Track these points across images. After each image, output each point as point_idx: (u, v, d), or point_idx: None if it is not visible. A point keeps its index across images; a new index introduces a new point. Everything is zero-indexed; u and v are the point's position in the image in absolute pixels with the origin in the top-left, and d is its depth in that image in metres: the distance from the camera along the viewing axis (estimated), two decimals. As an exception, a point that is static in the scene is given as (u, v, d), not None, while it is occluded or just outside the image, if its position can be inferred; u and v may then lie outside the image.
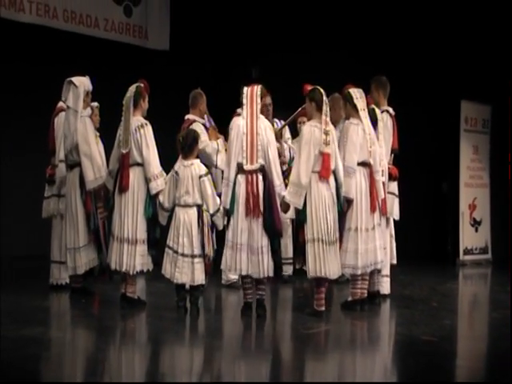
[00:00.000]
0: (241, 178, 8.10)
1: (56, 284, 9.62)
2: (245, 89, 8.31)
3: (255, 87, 8.31)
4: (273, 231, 8.12)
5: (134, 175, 8.47)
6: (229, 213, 8.16)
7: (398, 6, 13.49)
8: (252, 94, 8.25)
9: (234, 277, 10.03)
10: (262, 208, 8.07)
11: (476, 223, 13.58)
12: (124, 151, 8.45)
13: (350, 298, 8.82)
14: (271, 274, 8.21)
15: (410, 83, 13.25)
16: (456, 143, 13.49)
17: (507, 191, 13.67)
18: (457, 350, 7.64)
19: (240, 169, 8.12)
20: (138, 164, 8.48)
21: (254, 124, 8.16)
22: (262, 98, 8.40)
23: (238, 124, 8.21)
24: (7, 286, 9.82)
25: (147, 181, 8.46)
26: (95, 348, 7.36)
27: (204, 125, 9.70)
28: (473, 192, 13.64)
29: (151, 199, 8.46)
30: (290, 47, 14.14)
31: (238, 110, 9.98)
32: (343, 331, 8.21)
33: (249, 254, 8.08)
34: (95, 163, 9.03)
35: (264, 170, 8.16)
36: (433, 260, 13.22)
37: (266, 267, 8.10)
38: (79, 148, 9.01)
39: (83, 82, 9.18)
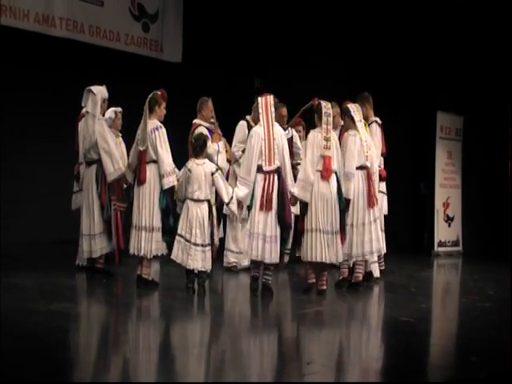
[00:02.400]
0: (259, 177, 8.31)
1: (82, 265, 9.64)
2: (259, 99, 8.52)
3: (268, 97, 8.51)
4: (284, 223, 8.34)
5: (151, 171, 8.49)
6: (249, 207, 8.36)
7: (383, 30, 13.54)
8: (266, 104, 8.44)
9: (233, 260, 10.22)
10: (275, 203, 8.25)
11: (449, 219, 13.59)
12: (141, 149, 8.49)
13: (340, 277, 9.12)
14: (277, 260, 8.48)
15: (394, 96, 13.28)
16: (432, 149, 13.50)
17: (476, 191, 13.69)
18: (431, 329, 7.66)
19: (259, 169, 8.31)
20: (154, 161, 8.51)
21: (270, 131, 8.37)
22: (275, 108, 8.62)
23: (258, 132, 8.40)
24: (38, 267, 9.84)
25: (160, 176, 8.51)
26: (115, 322, 7.42)
27: (208, 128, 9.74)
28: (446, 192, 13.65)
29: (165, 192, 8.48)
30: (289, 60, 14.22)
31: (247, 117, 10.20)
32: (333, 312, 8.22)
33: (262, 242, 8.24)
34: (113, 157, 9.06)
35: (279, 171, 8.35)
36: (411, 251, 13.22)
37: (275, 254, 8.31)
38: (98, 145, 9.03)
39: (100, 91, 9.21)
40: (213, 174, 8.29)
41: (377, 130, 9.56)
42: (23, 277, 8.96)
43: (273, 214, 8.26)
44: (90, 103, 9.18)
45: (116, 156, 9.12)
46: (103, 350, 6.28)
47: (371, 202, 8.82)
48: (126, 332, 6.95)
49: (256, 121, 10.19)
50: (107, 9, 13.40)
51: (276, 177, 8.33)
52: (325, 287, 8.60)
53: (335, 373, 5.71)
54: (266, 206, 8.23)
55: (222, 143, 9.66)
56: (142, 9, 14.13)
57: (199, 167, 8.29)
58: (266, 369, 5.81)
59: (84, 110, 9.57)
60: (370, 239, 8.84)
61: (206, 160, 8.45)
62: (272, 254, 8.30)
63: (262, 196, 8.25)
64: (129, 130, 9.62)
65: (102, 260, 9.26)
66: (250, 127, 10.13)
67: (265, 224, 8.25)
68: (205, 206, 8.27)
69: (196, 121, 9.80)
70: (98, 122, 9.12)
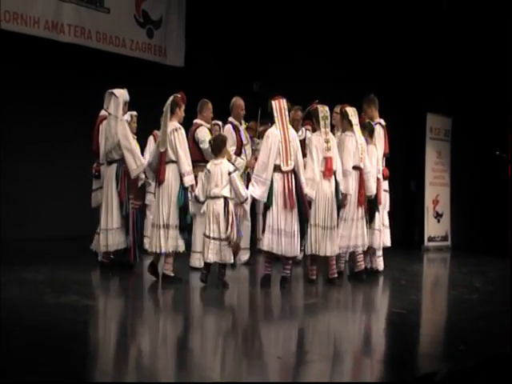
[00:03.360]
0: (277, 176, 8.38)
1: (96, 251, 9.66)
2: (273, 103, 8.53)
3: (281, 101, 8.53)
4: (303, 218, 8.42)
5: (169, 171, 8.48)
6: (267, 204, 8.40)
7: (378, 37, 13.54)
8: (280, 108, 8.49)
9: (245, 258, 10.24)
10: (295, 201, 8.36)
11: (438, 215, 13.60)
12: (161, 150, 8.50)
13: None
14: (298, 253, 8.56)
15: (386, 99, 13.24)
16: (422, 149, 13.51)
17: (464, 189, 13.68)
18: (421, 320, 7.68)
19: (277, 169, 8.36)
20: (173, 161, 8.49)
21: (286, 134, 8.42)
22: (289, 111, 8.65)
23: (275, 134, 8.44)
24: (48, 262, 9.80)
25: (181, 176, 8.47)
26: (122, 314, 7.45)
27: (209, 129, 9.76)
28: (436, 190, 13.66)
29: (183, 191, 8.48)
30: (287, 65, 14.23)
31: (230, 118, 10.29)
32: (329, 304, 8.23)
33: (284, 237, 8.33)
34: (135, 155, 9.05)
35: (295, 171, 8.45)
36: (402, 245, 13.16)
37: (296, 248, 8.41)
38: (121, 144, 8.99)
39: (122, 94, 9.18)
40: (230, 173, 8.32)
41: (380, 131, 9.71)
42: (33, 271, 8.95)
43: (293, 211, 8.35)
44: (112, 105, 9.13)
45: (138, 153, 9.14)
46: (109, 341, 6.30)
47: (361, 200, 8.99)
48: (134, 323, 6.96)
49: (238, 117, 10.32)
50: (113, 16, 13.43)
51: (293, 176, 8.43)
52: (315, 277, 8.76)
53: (331, 361, 5.72)
54: (289, 203, 8.31)
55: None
56: (147, 16, 14.16)
57: (217, 166, 8.33)
58: (266, 356, 5.83)
59: (102, 113, 9.59)
60: (357, 234, 9.03)
61: (225, 160, 8.48)
62: (293, 248, 8.39)
63: (285, 195, 8.33)
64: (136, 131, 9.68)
65: (109, 255, 9.24)
66: (234, 127, 10.19)
67: (285, 220, 8.34)
68: (221, 202, 8.25)
69: (197, 121, 9.81)
70: (120, 122, 9.09)
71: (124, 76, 12.56)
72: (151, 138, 10.84)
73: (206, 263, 8.32)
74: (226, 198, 8.28)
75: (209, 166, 8.40)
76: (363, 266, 9.19)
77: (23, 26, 11.97)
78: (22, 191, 12.37)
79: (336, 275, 8.81)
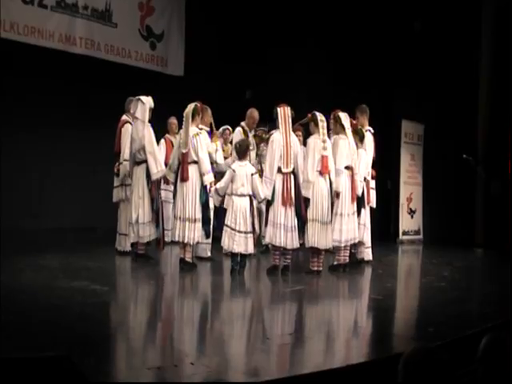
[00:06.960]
0: (279, 177, 8.43)
1: (122, 251, 9.70)
2: (278, 110, 8.57)
3: (285, 108, 8.57)
4: (300, 215, 8.48)
5: (192, 170, 8.56)
6: (270, 201, 8.45)
7: (362, 56, 13.62)
8: (284, 115, 8.53)
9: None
10: (293, 199, 8.41)
11: (411, 212, 13.66)
12: (184, 151, 8.56)
13: (335, 263, 9.14)
14: (298, 246, 8.58)
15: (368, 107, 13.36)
16: (398, 152, 13.57)
17: (435, 188, 13.74)
18: (396, 305, 7.76)
19: (279, 170, 8.43)
20: (195, 162, 8.58)
21: (287, 139, 8.48)
22: (292, 118, 8.65)
23: (278, 139, 8.49)
24: (61, 250, 9.86)
25: (201, 175, 8.57)
26: (127, 296, 7.51)
27: (208, 132, 9.80)
28: (410, 188, 13.72)
29: (204, 188, 8.58)
30: (278, 74, 14.26)
31: (242, 123, 10.32)
32: (313, 290, 8.26)
33: (284, 231, 8.37)
34: (157, 160, 9.09)
35: (294, 173, 8.52)
36: (379, 239, 13.21)
37: (295, 241, 8.45)
38: (146, 148, 9.01)
39: (148, 101, 9.16)
40: (252, 174, 8.41)
41: (371, 137, 9.75)
42: (49, 259, 9.01)
43: (292, 208, 8.41)
44: (139, 110, 9.11)
45: (159, 159, 9.20)
46: (113, 321, 6.35)
47: (353, 197, 8.99)
48: (139, 305, 7.01)
49: (250, 126, 10.34)
50: (120, 30, 13.51)
51: (292, 177, 8.49)
52: (316, 268, 8.73)
53: (313, 341, 5.78)
54: (287, 201, 8.38)
55: (219, 143, 9.75)
56: (150, 30, 14.23)
57: (242, 168, 8.40)
58: (253, 335, 5.90)
59: (124, 117, 9.70)
60: (350, 228, 9.00)
61: (248, 162, 8.58)
62: (293, 241, 8.44)
63: (283, 193, 8.39)
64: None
65: (143, 246, 9.25)
66: (244, 132, 10.24)
67: (286, 216, 8.39)
68: (247, 199, 8.35)
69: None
70: (147, 127, 9.11)
71: (129, 84, 12.65)
72: (162, 141, 10.89)
73: (233, 253, 8.41)
74: (250, 196, 8.38)
75: (234, 166, 8.46)
76: (342, 261, 9.08)
77: (40, 39, 12.09)
78: (39, 185, 12.41)
79: (316, 268, 8.72)
